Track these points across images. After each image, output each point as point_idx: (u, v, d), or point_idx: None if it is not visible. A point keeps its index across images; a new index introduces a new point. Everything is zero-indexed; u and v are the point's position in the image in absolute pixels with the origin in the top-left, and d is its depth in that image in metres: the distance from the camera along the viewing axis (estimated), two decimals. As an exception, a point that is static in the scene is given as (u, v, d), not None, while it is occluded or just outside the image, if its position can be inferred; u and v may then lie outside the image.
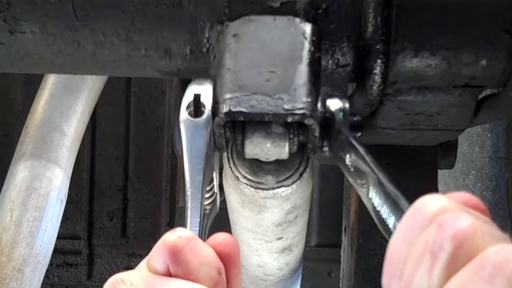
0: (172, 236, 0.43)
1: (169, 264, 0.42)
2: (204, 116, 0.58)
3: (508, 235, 0.32)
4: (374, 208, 0.43)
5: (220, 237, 0.45)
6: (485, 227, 0.32)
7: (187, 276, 0.42)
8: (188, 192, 0.54)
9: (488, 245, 0.31)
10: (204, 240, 0.48)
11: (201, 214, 0.53)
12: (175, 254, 0.42)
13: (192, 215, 0.52)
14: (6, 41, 0.70)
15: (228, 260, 0.45)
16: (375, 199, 0.43)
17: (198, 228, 0.51)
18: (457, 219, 0.31)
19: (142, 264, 0.44)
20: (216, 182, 0.66)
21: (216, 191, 0.67)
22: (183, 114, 0.58)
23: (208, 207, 0.67)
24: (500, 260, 0.29)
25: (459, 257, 0.31)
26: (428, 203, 0.34)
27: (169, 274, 0.43)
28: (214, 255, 0.44)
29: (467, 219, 0.31)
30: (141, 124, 2.00)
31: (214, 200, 0.67)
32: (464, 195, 0.35)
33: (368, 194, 0.44)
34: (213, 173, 0.63)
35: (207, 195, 0.64)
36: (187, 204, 0.54)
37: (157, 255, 0.43)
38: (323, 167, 1.71)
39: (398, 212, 0.39)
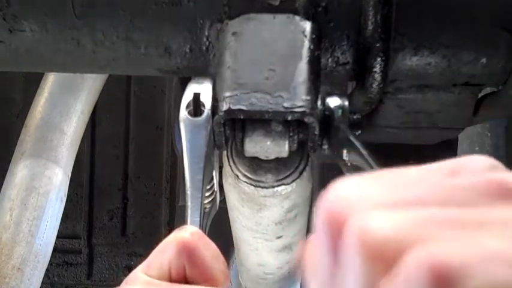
0: (185, 234, 0.42)
1: (186, 264, 0.42)
2: (204, 115, 0.58)
3: None
4: None
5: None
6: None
7: (203, 274, 0.42)
8: (188, 192, 0.55)
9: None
10: None
11: (201, 213, 0.53)
12: (191, 252, 0.41)
13: (192, 215, 0.53)
14: (5, 39, 0.70)
15: None
16: None
17: (198, 228, 0.51)
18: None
19: (139, 274, 0.42)
20: (215, 181, 0.66)
21: (215, 189, 0.67)
22: (183, 113, 0.58)
23: (208, 206, 0.67)
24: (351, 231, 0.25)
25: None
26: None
27: (181, 278, 0.42)
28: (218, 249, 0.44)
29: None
30: (141, 123, 2.00)
31: (214, 198, 0.67)
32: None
33: None
34: (213, 172, 0.63)
35: (207, 194, 0.64)
36: (188, 203, 0.54)
37: (164, 258, 0.42)
38: (323, 165, 1.71)
39: None
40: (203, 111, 0.58)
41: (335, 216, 0.26)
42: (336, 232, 0.25)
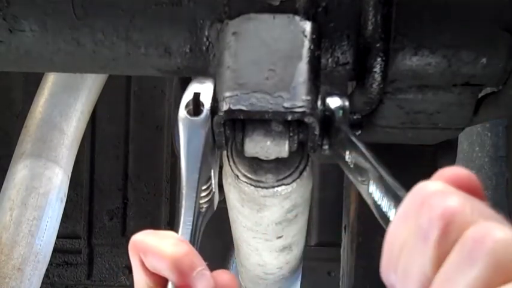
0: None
1: None
2: (203, 114, 0.58)
3: (500, 214, 0.31)
4: (375, 203, 0.42)
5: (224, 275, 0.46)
6: (476, 205, 0.30)
7: None
8: (183, 191, 0.54)
9: (477, 222, 0.29)
10: (198, 238, 0.49)
11: (194, 213, 0.53)
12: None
13: (186, 214, 0.52)
14: (5, 39, 0.70)
15: None
16: (375, 193, 0.43)
17: (190, 227, 0.51)
18: (445, 198, 0.30)
19: None
20: (214, 181, 0.65)
21: (214, 189, 0.66)
22: (182, 112, 0.58)
23: (205, 206, 0.67)
24: (479, 236, 0.28)
25: (450, 235, 0.29)
26: (424, 188, 0.32)
27: None
28: None
29: (457, 198, 0.30)
30: (141, 123, 2.00)
31: (212, 198, 0.67)
32: (455, 170, 0.33)
33: (368, 189, 0.44)
34: (210, 172, 0.63)
35: (203, 194, 0.64)
36: (182, 202, 0.53)
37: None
38: (323, 165, 1.71)
39: (399, 203, 0.39)
40: (202, 110, 0.58)
41: (455, 222, 0.30)
42: (448, 233, 0.30)
